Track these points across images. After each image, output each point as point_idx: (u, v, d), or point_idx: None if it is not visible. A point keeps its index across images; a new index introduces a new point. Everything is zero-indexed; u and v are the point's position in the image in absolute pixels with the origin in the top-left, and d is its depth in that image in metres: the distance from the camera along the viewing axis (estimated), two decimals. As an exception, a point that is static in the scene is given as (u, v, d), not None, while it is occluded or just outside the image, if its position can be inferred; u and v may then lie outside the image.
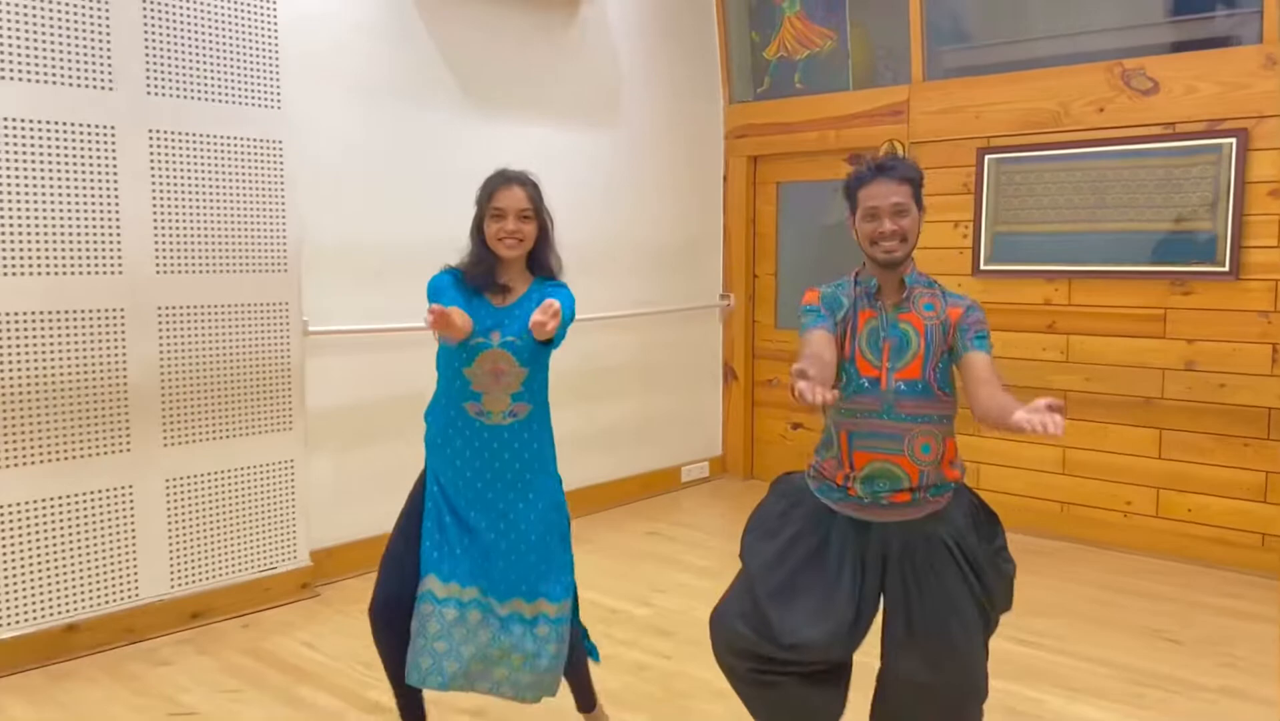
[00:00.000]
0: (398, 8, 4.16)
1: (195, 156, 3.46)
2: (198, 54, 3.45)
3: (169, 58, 3.38)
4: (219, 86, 3.51)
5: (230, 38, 3.52)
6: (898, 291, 2.17)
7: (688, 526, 5.01)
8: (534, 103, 4.71)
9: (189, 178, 3.46)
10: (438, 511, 2.38)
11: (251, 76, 3.59)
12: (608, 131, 5.11)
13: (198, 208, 3.49)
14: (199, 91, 3.47)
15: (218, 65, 3.50)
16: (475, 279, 2.37)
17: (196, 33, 3.44)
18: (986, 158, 4.77)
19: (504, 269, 2.40)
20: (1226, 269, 4.15)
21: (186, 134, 3.44)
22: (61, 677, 3.14)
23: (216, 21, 3.49)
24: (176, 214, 3.44)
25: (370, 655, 2.58)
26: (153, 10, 3.33)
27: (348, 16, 3.97)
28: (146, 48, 3.33)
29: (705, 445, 5.91)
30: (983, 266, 4.81)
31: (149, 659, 3.30)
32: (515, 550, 2.36)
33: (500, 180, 2.38)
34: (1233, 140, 4.10)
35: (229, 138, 3.55)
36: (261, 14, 3.60)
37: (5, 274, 3.08)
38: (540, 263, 2.43)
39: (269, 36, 3.63)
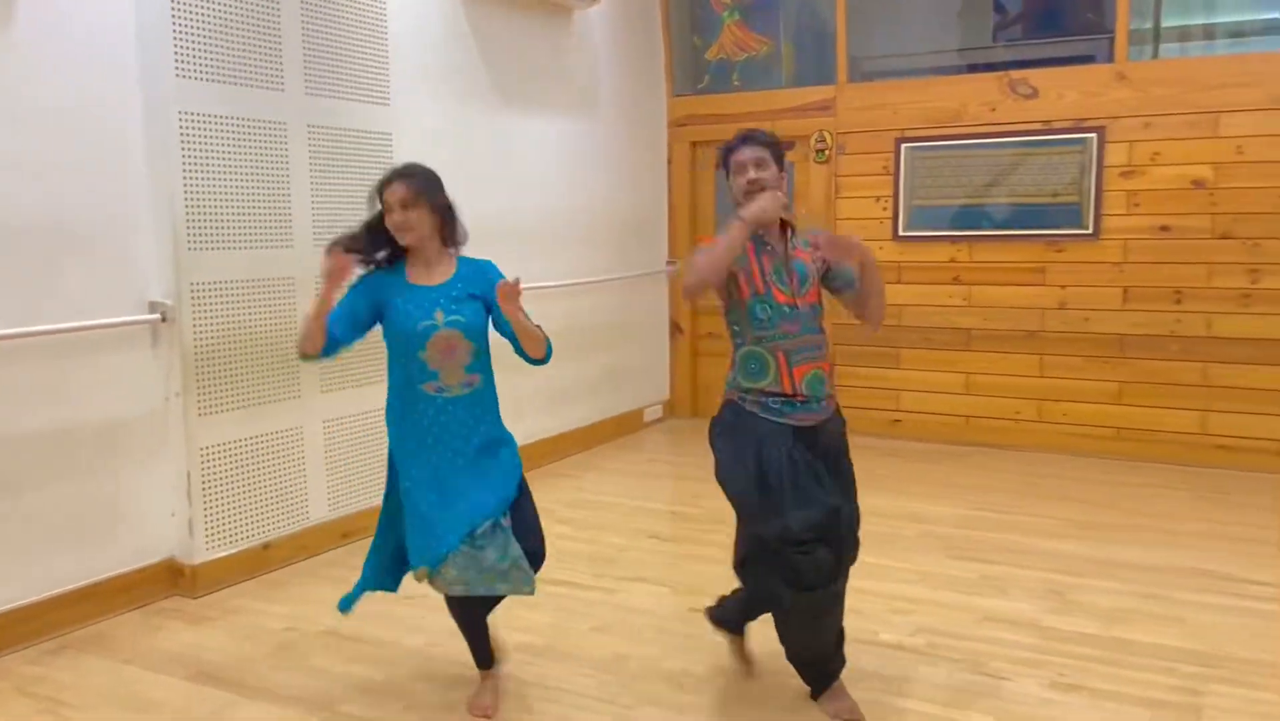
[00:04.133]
0: (453, 17, 4.86)
1: (337, 148, 4.09)
2: (337, 60, 4.07)
3: (319, 64, 3.99)
4: (352, 87, 4.14)
5: (356, 46, 4.15)
6: (783, 236, 2.63)
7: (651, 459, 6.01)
8: (537, 96, 5.49)
9: (334, 166, 4.08)
10: (413, 503, 2.57)
11: (372, 78, 4.23)
12: (584, 121, 5.94)
13: (344, 192, 4.11)
14: (339, 91, 4.09)
15: (351, 69, 4.12)
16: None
17: (334, 41, 4.05)
18: (903, 146, 6.00)
19: (416, 253, 2.64)
20: (1090, 231, 5.57)
21: (333, 129, 4.06)
22: (276, 586, 3.75)
23: (346, 32, 4.10)
24: (326, 197, 4.05)
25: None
26: (309, 24, 3.93)
27: (420, 26, 4.64)
28: (305, 55, 3.93)
29: (657, 391, 6.89)
30: (901, 233, 6.06)
31: (341, 565, 3.95)
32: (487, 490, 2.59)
33: (388, 177, 2.65)
34: (1094, 135, 5.51)
35: (360, 131, 4.18)
36: (377, 25, 4.24)
37: (212, 249, 3.64)
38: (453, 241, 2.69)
39: (382, 43, 4.27)
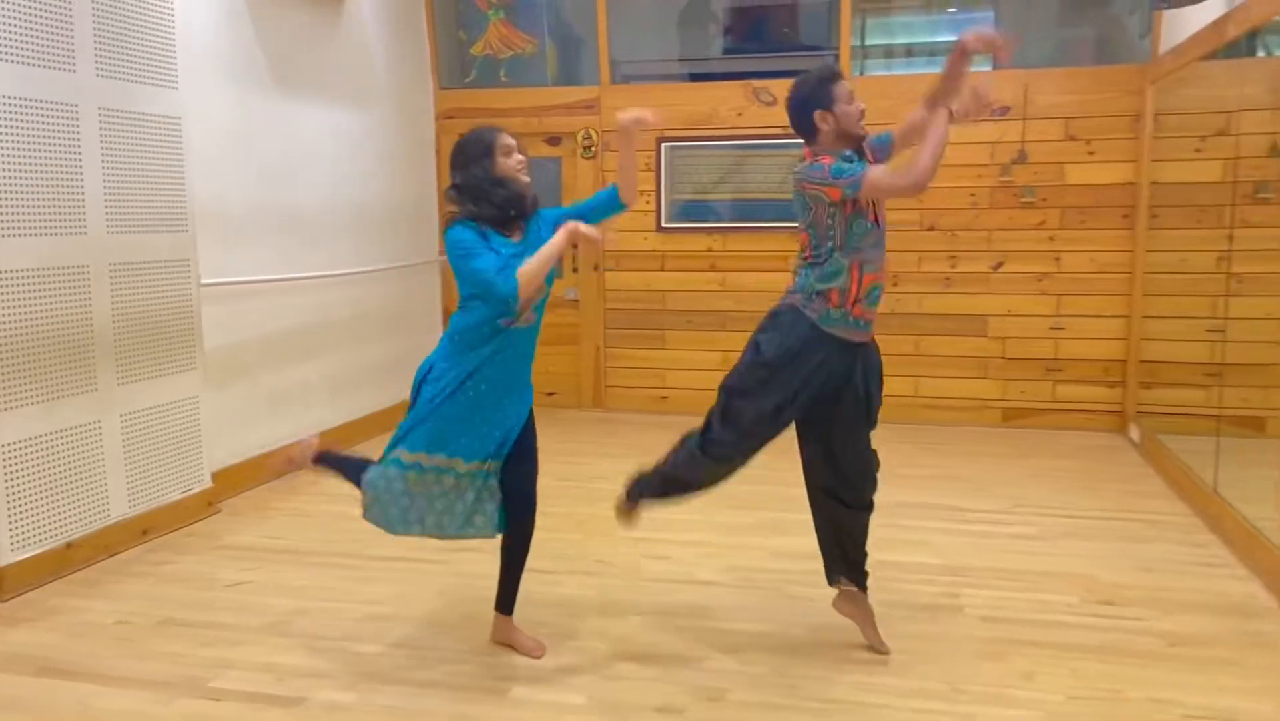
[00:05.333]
0: (231, 5, 4.78)
1: (128, 133, 3.96)
2: (126, 41, 3.94)
3: (109, 45, 3.85)
4: (142, 70, 4.02)
5: (143, 26, 4.03)
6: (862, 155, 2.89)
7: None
8: (313, 84, 5.49)
9: (125, 151, 3.96)
10: (473, 407, 2.87)
11: (160, 60, 4.12)
12: (357, 110, 5.98)
13: (136, 178, 3.99)
14: (129, 74, 3.96)
15: (139, 51, 4.00)
16: (505, 218, 2.86)
17: (123, 21, 3.92)
18: (663, 145, 6.53)
19: None
20: (824, 224, 6.36)
21: (124, 112, 3.93)
22: (89, 584, 3.62)
23: (134, 11, 3.98)
24: (118, 183, 3.92)
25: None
26: (98, 2, 3.79)
27: (202, 6, 4.55)
28: (95, 35, 3.78)
29: (431, 379, 7.03)
30: (663, 225, 6.59)
31: (147, 561, 3.85)
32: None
33: (492, 131, 2.88)
34: (825, 140, 6.29)
35: (149, 115, 4.07)
36: (163, 4, 4.13)
37: (6, 236, 3.45)
38: None
39: (169, 24, 4.17)
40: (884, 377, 3.04)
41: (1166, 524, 4.28)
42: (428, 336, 6.92)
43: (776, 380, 2.85)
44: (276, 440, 5.10)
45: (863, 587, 3.11)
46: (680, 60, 6.82)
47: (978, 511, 4.48)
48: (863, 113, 2.87)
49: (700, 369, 6.66)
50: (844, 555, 3.09)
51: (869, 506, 3.07)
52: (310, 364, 5.42)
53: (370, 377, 6.12)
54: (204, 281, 4.45)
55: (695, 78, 6.75)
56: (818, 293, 2.83)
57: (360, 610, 3.37)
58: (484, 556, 3.91)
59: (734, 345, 6.70)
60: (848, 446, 2.97)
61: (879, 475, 3.08)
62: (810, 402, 2.88)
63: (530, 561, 3.83)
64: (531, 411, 3.03)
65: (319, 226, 5.53)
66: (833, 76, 2.86)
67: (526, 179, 2.91)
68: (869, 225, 2.84)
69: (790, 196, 3.05)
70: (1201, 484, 4.45)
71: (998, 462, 5.39)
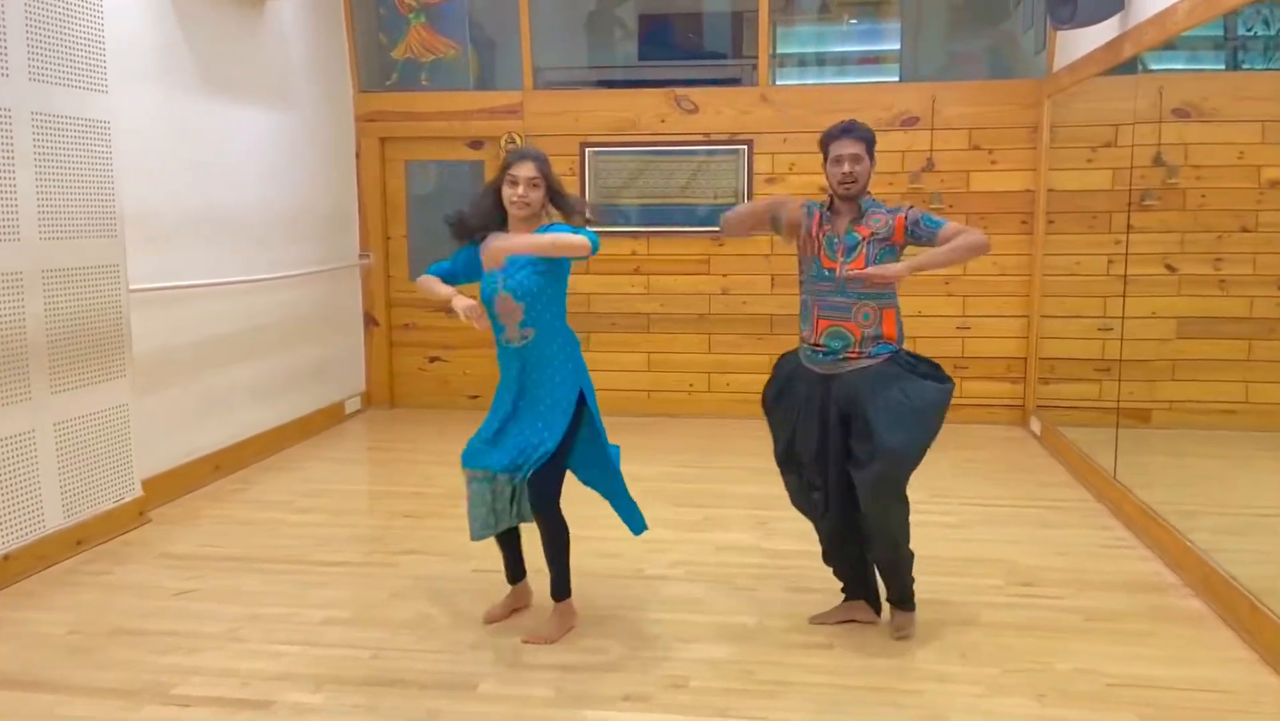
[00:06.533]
0: (159, 7, 4.71)
1: (60, 137, 3.88)
2: (59, 44, 3.86)
3: (42, 48, 3.77)
4: (74, 73, 3.94)
5: (76, 29, 3.95)
6: (853, 213, 3.06)
7: (353, 445, 6.20)
8: (238, 86, 5.42)
9: (57, 156, 3.87)
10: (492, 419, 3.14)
11: (91, 63, 4.04)
12: (281, 113, 5.92)
13: (68, 182, 3.91)
14: (62, 78, 3.88)
15: (72, 54, 3.93)
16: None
17: (56, 25, 3.84)
18: (586, 150, 6.64)
19: (516, 225, 3.06)
20: (744, 228, 6.56)
21: (56, 117, 3.85)
22: (29, 595, 3.54)
23: (66, 14, 3.90)
24: (51, 188, 3.85)
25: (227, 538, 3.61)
26: (31, 5, 3.71)
27: (128, 7, 4.47)
28: (29, 38, 3.70)
29: (355, 383, 6.99)
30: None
31: (85, 572, 3.78)
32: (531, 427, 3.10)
33: (515, 156, 3.05)
34: (745, 146, 6.50)
35: (79, 120, 4.00)
36: (93, 6, 4.06)
37: (-63, 241, 3.36)
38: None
39: (99, 31, 4.09)
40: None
41: (1072, 509, 4.60)
42: (350, 341, 6.89)
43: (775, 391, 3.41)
44: (203, 447, 5.04)
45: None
46: (602, 67, 6.93)
47: (900, 502, 4.72)
48: (844, 176, 3.02)
49: (625, 370, 6.79)
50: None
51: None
52: (236, 369, 5.36)
53: (294, 382, 6.07)
54: (132, 287, 4.38)
55: (612, 84, 6.86)
56: (802, 336, 3.19)
57: (316, 614, 3.40)
58: (431, 558, 3.98)
59: (658, 346, 6.92)
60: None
61: None
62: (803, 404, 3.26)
63: (478, 563, 3.92)
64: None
65: (244, 230, 5.46)
66: (834, 134, 3.09)
67: (516, 214, 3.04)
68: (822, 269, 3.07)
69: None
70: (1102, 471, 4.79)
71: (913, 456, 5.65)
